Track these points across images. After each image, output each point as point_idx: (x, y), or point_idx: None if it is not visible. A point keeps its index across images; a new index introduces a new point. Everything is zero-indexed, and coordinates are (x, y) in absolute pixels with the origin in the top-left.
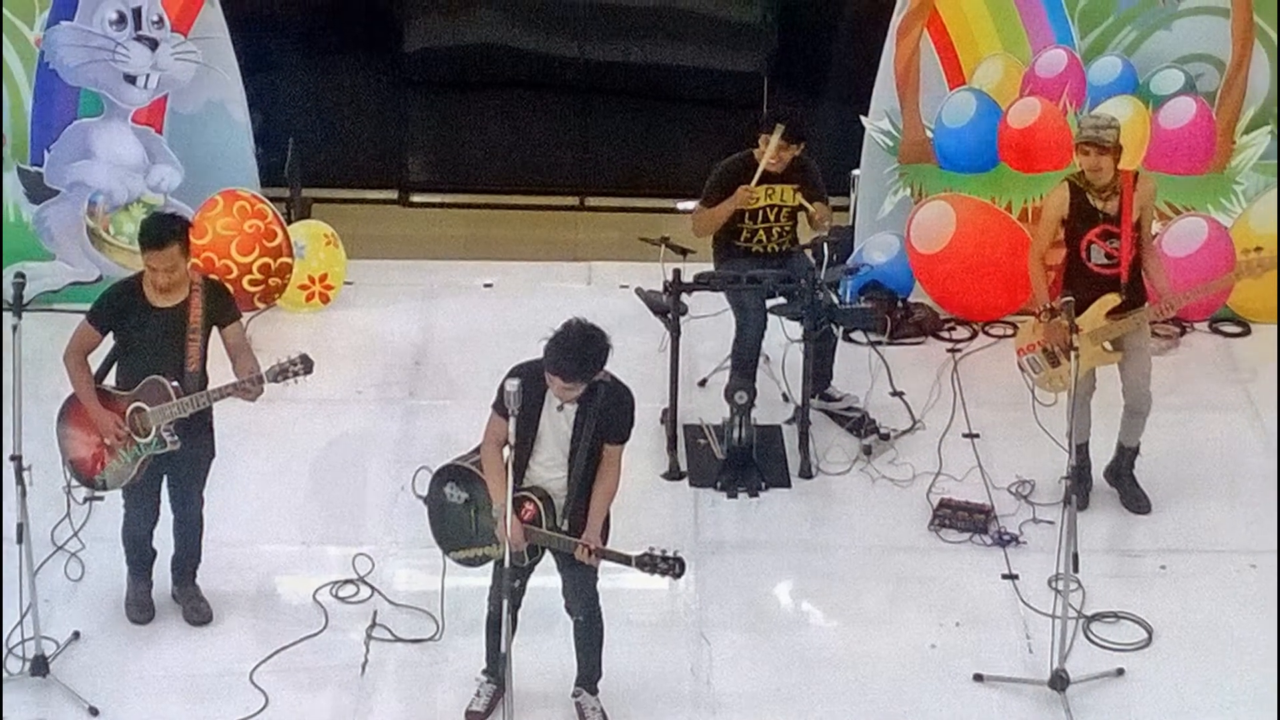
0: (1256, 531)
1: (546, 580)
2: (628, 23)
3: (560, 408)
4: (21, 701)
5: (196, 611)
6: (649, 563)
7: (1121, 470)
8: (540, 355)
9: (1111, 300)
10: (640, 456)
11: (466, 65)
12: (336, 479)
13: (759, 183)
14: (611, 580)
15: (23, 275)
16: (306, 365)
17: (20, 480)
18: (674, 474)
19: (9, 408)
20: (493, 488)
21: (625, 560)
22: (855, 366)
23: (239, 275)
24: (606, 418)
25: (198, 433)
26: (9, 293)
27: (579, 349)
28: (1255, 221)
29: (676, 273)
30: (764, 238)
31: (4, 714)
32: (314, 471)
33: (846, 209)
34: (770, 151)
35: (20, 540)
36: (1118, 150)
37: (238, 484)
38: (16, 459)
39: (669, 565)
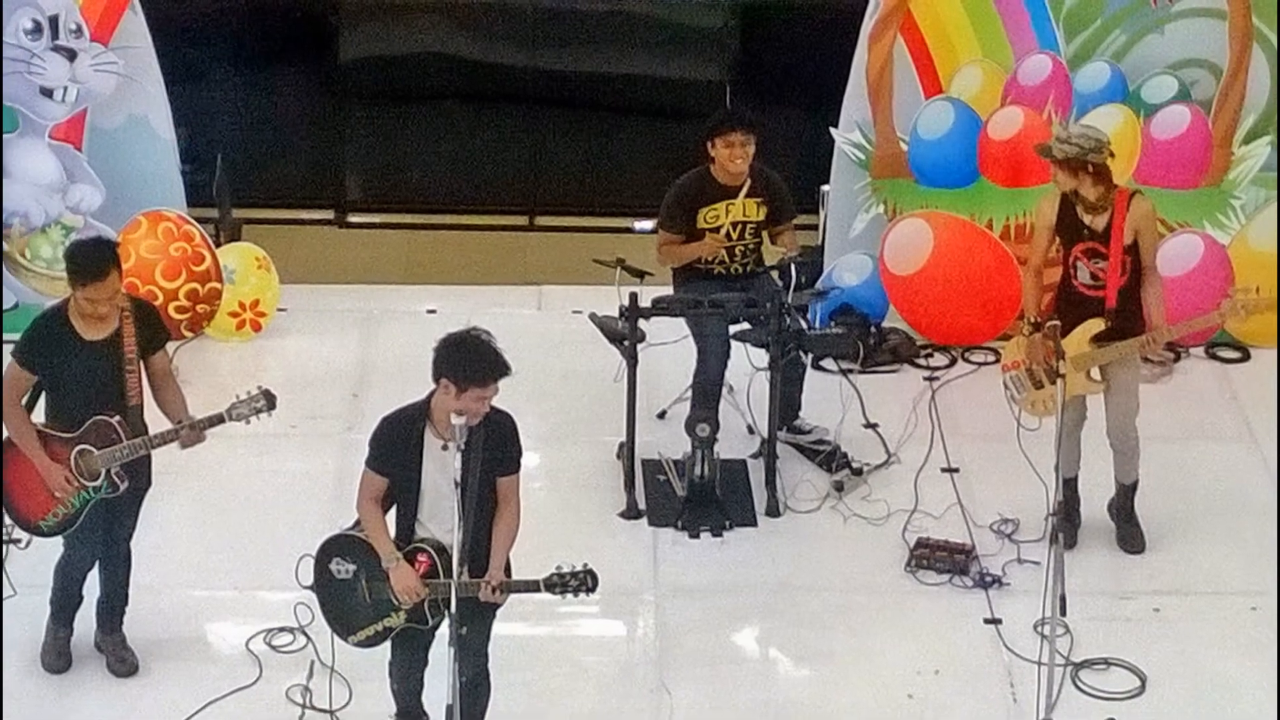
0: (1257, 571)
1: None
2: (579, 29)
3: (445, 447)
4: None
5: (122, 662)
6: (558, 583)
7: (1120, 507)
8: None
9: (1095, 326)
10: (596, 494)
11: (407, 76)
12: (270, 520)
13: (719, 199)
14: (565, 628)
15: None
16: (270, 401)
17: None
18: (632, 513)
19: None
20: (379, 546)
21: (532, 586)
22: (826, 396)
23: (165, 302)
24: (492, 450)
25: (138, 463)
26: None
27: (492, 349)
28: (1254, 239)
29: (633, 297)
30: (726, 258)
31: None
32: (246, 512)
33: (816, 227)
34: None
35: None
36: (1097, 170)
37: (164, 526)
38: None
39: (580, 580)
